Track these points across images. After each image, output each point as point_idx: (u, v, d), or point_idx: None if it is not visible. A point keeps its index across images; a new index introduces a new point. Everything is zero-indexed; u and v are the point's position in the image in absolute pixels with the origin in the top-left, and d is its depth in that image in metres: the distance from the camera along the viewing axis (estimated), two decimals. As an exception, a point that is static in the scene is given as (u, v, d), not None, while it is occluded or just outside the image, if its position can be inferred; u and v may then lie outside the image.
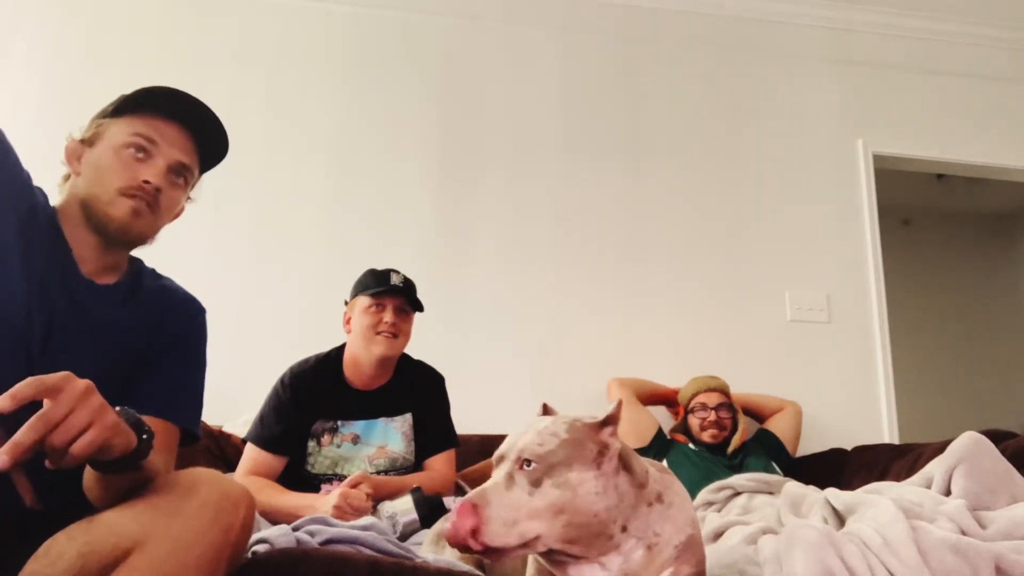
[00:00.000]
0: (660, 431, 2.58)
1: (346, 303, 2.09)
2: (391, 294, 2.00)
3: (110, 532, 0.88)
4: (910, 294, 4.70)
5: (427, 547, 1.36)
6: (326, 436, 1.98)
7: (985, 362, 5.03)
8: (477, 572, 1.21)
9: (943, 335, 5.06)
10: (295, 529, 1.17)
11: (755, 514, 1.69)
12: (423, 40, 3.15)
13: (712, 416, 2.55)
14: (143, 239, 1.17)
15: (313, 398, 1.98)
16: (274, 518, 1.72)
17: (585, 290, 2.96)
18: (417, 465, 2.03)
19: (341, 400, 2.01)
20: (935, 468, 1.43)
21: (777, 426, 2.69)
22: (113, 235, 1.12)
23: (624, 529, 0.99)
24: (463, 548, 0.92)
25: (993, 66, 3.51)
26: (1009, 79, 3.52)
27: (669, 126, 3.22)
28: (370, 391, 2.03)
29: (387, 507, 1.68)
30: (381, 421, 2.02)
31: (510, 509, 0.94)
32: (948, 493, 1.36)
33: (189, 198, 1.26)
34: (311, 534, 1.16)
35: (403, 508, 1.67)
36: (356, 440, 1.99)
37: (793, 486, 1.65)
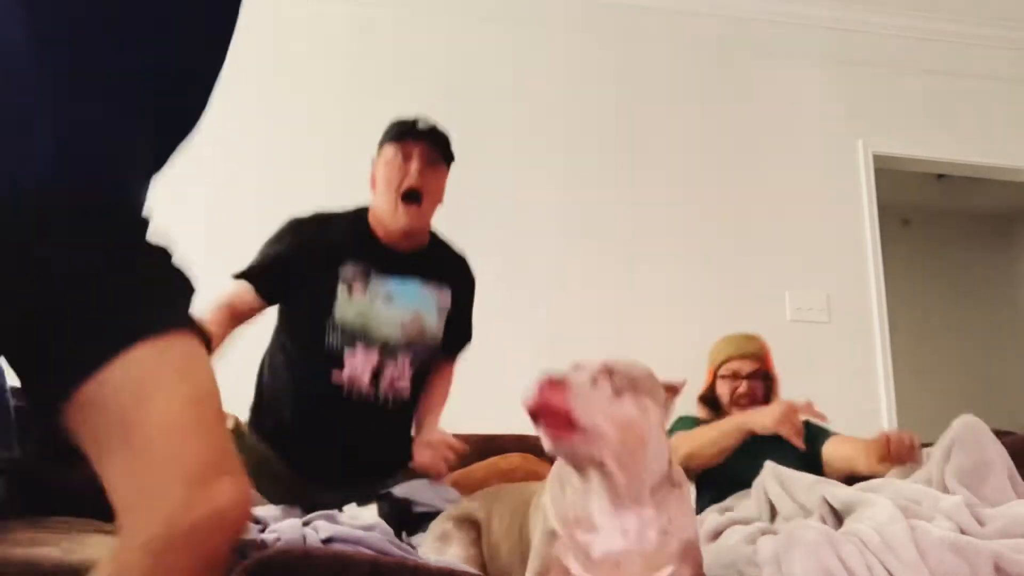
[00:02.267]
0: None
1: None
2: (417, 138, 1.76)
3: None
4: (910, 294, 4.69)
5: (428, 548, 1.36)
6: (358, 283, 1.72)
7: (985, 362, 5.02)
8: (478, 573, 1.21)
9: (943, 335, 5.06)
10: (305, 523, 1.18)
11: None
12: (423, 40, 3.15)
13: (743, 387, 2.21)
14: None
15: (340, 242, 1.75)
16: None
17: (584, 291, 2.96)
18: (447, 351, 1.92)
19: (373, 251, 1.76)
20: (934, 451, 1.48)
21: (835, 445, 2.15)
22: None
23: (653, 488, 1.03)
24: (545, 420, 0.94)
25: (993, 66, 3.51)
26: (1009, 79, 3.52)
27: (668, 126, 3.22)
28: (403, 252, 1.80)
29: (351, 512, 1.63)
30: (416, 283, 1.79)
31: (592, 402, 0.97)
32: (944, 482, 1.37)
33: None
34: (316, 529, 1.17)
35: (369, 518, 1.62)
36: (389, 298, 1.75)
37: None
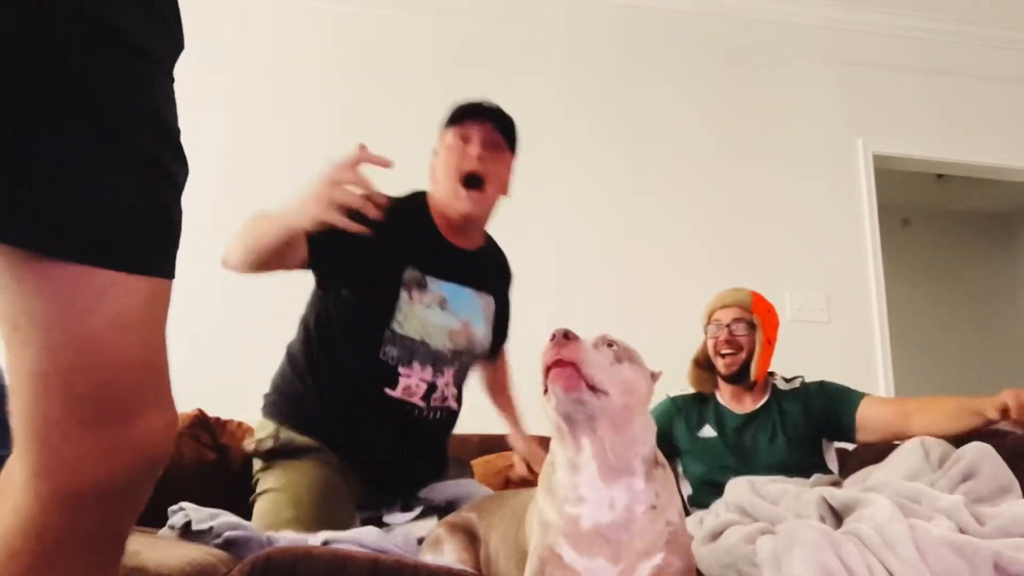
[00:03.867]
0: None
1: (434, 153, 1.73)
2: (478, 119, 1.62)
3: None
4: (910, 294, 4.69)
5: (425, 551, 1.36)
6: (416, 291, 1.58)
7: (985, 361, 5.02)
8: (477, 573, 1.21)
9: (943, 335, 5.06)
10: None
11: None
12: (423, 40, 3.16)
13: (724, 335, 2.08)
14: None
15: (404, 235, 1.58)
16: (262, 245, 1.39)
17: (584, 290, 2.96)
18: (491, 355, 1.86)
19: (432, 248, 1.62)
20: (946, 474, 1.45)
21: (879, 406, 1.99)
22: None
23: (642, 460, 1.05)
24: (558, 370, 0.96)
25: (993, 66, 3.51)
26: (1009, 79, 3.52)
27: (669, 126, 3.22)
28: (463, 250, 1.67)
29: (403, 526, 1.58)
30: (469, 291, 1.68)
31: (597, 362, 1.01)
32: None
33: None
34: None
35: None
36: (444, 304, 1.62)
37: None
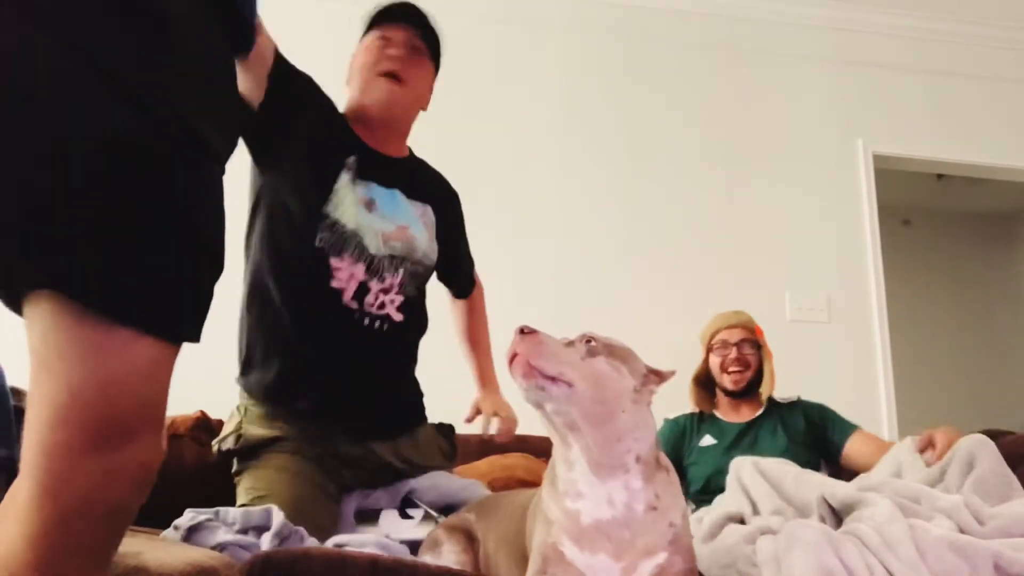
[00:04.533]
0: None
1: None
2: (400, 22, 1.58)
3: None
4: (910, 294, 4.70)
5: (423, 552, 1.36)
6: (358, 180, 1.53)
7: (985, 361, 5.02)
8: (476, 574, 1.21)
9: (943, 335, 5.06)
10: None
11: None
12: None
13: (733, 353, 2.24)
14: None
15: (337, 131, 1.54)
16: None
17: (583, 292, 2.96)
18: (454, 283, 1.82)
19: (353, 150, 1.55)
20: (949, 465, 1.49)
21: (863, 441, 2.16)
22: None
23: (637, 459, 1.03)
24: (515, 366, 0.99)
25: (993, 66, 3.52)
26: (1009, 79, 3.52)
27: (668, 125, 3.22)
28: (386, 155, 1.61)
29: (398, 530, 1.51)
30: (400, 195, 1.60)
31: (560, 354, 1.01)
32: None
33: None
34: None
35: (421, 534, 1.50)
36: (371, 207, 1.54)
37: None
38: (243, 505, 1.45)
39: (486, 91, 3.13)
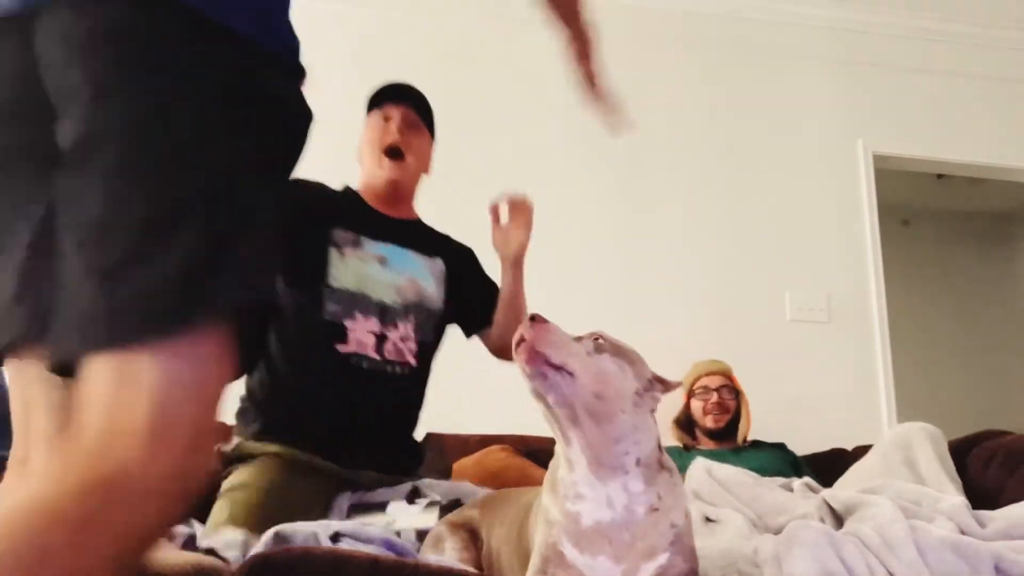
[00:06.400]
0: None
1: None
2: (394, 99, 1.78)
3: None
4: (910, 294, 4.69)
5: (426, 549, 1.36)
6: (349, 248, 1.69)
7: (985, 362, 5.03)
8: (478, 572, 1.21)
9: (943, 335, 5.07)
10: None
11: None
12: (423, 40, 3.15)
13: (714, 397, 2.50)
14: None
15: (332, 205, 1.73)
16: None
17: (584, 291, 2.96)
18: (481, 323, 1.87)
19: (364, 217, 1.74)
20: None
21: None
22: None
23: (637, 463, 1.03)
24: (524, 348, 1.00)
25: (993, 66, 3.51)
26: (1009, 79, 3.52)
27: (669, 125, 3.22)
28: (397, 219, 1.79)
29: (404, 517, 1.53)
30: (411, 252, 1.77)
31: (569, 345, 1.03)
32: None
33: None
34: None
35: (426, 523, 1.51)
36: (384, 262, 1.72)
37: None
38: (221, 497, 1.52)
39: (484, 90, 3.13)
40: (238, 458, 1.60)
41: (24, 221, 0.71)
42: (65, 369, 0.69)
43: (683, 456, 2.41)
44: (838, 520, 1.35)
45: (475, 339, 2.29)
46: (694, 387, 2.57)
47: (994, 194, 4.94)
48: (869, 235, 3.21)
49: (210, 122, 0.69)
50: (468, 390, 2.36)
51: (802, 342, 3.04)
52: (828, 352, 3.05)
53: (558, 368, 0.99)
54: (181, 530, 1.23)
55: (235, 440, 1.64)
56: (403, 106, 1.78)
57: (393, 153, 1.74)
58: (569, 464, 1.05)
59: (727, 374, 2.59)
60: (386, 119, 1.76)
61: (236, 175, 0.70)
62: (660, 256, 3.06)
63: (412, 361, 1.72)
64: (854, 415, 2.99)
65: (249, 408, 1.68)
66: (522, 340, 1.01)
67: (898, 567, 1.11)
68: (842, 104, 3.36)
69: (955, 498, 1.29)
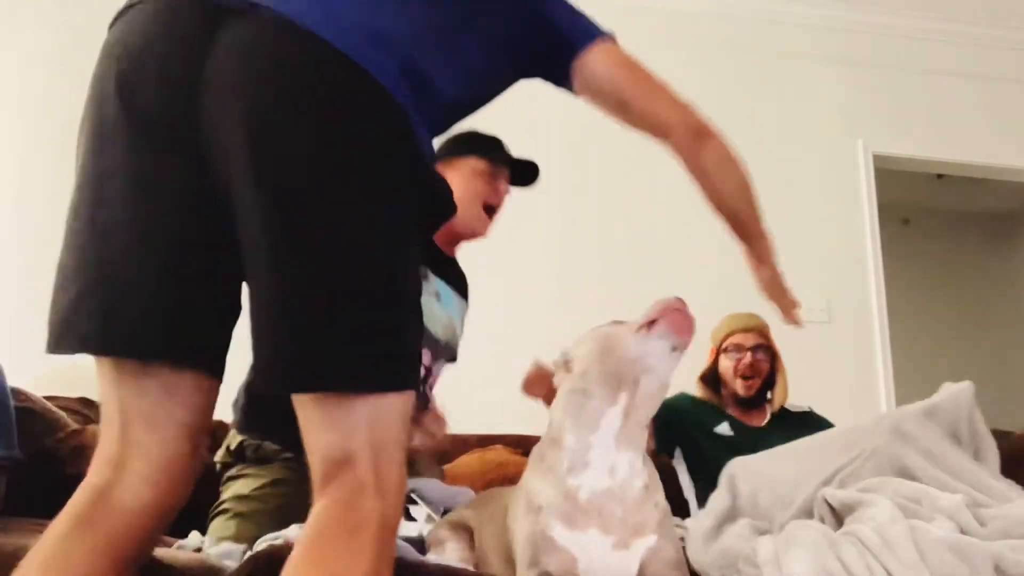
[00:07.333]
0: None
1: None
2: (507, 164, 1.83)
3: None
4: (910, 294, 4.69)
5: (428, 551, 1.36)
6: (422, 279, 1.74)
7: (985, 361, 5.02)
8: (477, 572, 1.21)
9: (943, 335, 5.07)
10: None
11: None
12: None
13: (747, 358, 2.18)
14: None
15: None
16: None
17: (584, 292, 2.96)
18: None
19: (430, 249, 1.73)
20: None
21: None
22: None
23: (643, 440, 1.14)
24: (684, 314, 1.33)
25: (993, 66, 3.51)
26: (1009, 79, 3.52)
27: (669, 126, 3.22)
28: (450, 256, 1.83)
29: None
30: (453, 292, 1.80)
31: None
32: None
33: None
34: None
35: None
36: (438, 298, 1.74)
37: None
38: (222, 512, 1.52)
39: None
40: (250, 457, 1.58)
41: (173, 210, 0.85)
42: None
43: (716, 413, 2.20)
44: (837, 519, 1.35)
45: (475, 339, 2.30)
46: (725, 343, 2.23)
47: (994, 194, 4.94)
48: (869, 235, 3.21)
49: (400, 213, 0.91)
50: (466, 391, 2.36)
51: (802, 342, 3.03)
52: (828, 352, 3.05)
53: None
54: (191, 542, 1.23)
55: (234, 435, 1.61)
56: (507, 170, 1.84)
57: (492, 212, 1.80)
58: (592, 425, 1.09)
59: (764, 332, 2.24)
60: (495, 176, 1.80)
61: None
62: (660, 255, 3.06)
63: (429, 394, 1.72)
64: (854, 415, 2.98)
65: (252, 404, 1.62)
66: (679, 309, 1.25)
67: (897, 567, 1.11)
68: (842, 104, 3.36)
69: (955, 497, 1.28)
